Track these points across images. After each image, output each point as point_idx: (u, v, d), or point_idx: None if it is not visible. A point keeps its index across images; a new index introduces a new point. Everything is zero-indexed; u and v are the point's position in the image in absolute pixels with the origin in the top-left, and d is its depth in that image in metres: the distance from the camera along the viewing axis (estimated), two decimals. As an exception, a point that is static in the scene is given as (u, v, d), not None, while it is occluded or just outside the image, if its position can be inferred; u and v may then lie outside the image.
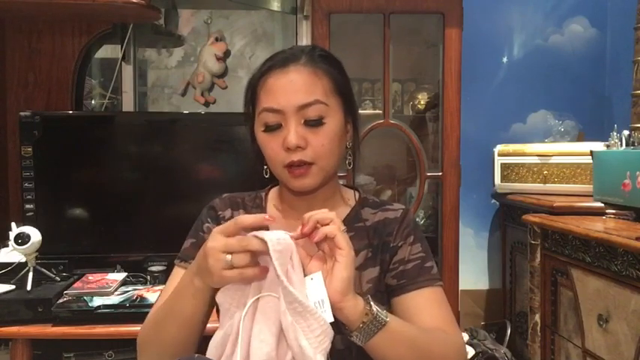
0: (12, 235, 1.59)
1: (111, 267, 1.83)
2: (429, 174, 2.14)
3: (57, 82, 2.08)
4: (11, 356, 1.55)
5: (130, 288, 1.68)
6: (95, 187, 1.87)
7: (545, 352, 1.86)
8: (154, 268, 1.76)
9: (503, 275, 2.48)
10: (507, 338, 2.27)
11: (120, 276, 1.72)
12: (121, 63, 2.26)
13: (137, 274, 1.79)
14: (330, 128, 0.91)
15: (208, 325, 0.88)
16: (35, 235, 1.60)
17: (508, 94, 2.49)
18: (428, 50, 2.38)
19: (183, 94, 2.42)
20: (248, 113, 0.97)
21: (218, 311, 0.83)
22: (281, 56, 0.93)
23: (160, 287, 1.56)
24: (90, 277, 1.69)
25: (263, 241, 0.75)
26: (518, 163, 2.22)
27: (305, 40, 2.25)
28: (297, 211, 0.97)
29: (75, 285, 1.64)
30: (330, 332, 0.77)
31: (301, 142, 0.89)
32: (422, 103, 2.38)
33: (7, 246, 1.70)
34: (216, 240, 0.77)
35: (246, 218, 0.79)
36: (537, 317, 1.87)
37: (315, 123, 0.90)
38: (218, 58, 2.35)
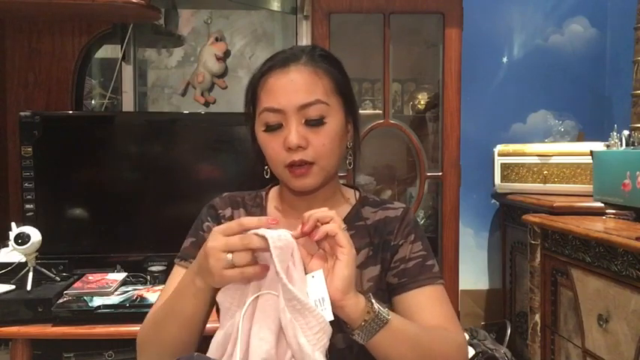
0: (12, 235, 1.59)
1: (111, 267, 1.83)
2: (429, 174, 2.14)
3: (57, 82, 2.08)
4: (11, 356, 1.55)
5: (130, 288, 1.68)
6: (95, 187, 1.87)
7: (545, 352, 1.86)
8: (153, 268, 1.76)
9: (503, 275, 2.48)
10: (507, 338, 2.27)
11: (120, 276, 1.72)
12: (121, 63, 2.26)
13: (137, 274, 1.78)
14: (330, 128, 0.91)
15: (208, 325, 0.88)
16: (35, 235, 1.60)
17: (508, 94, 2.49)
18: (428, 50, 2.38)
19: (183, 94, 2.42)
20: (248, 113, 0.97)
21: (218, 311, 0.82)
22: (281, 56, 0.93)
23: (160, 287, 1.56)
24: (90, 277, 1.69)
25: (264, 239, 0.75)
26: (518, 163, 2.22)
27: (305, 40, 2.25)
28: (298, 210, 0.96)
29: (75, 285, 1.64)
30: (329, 330, 0.77)
31: (302, 141, 0.89)
32: (422, 103, 2.38)
33: (7, 246, 1.70)
34: (217, 239, 0.77)
35: (250, 221, 0.79)
36: (537, 317, 1.87)
37: (316, 123, 0.90)
38: (218, 58, 2.35)
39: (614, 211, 1.77)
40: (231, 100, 2.38)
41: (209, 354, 0.79)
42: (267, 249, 0.75)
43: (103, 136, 1.89)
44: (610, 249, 1.50)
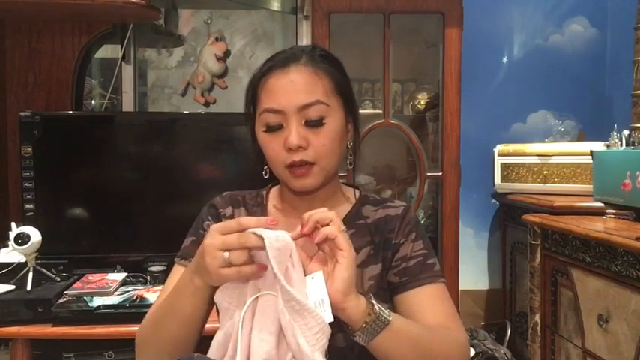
0: (12, 235, 1.59)
1: (111, 267, 1.83)
2: (429, 174, 2.14)
3: (57, 82, 2.08)
4: (11, 356, 1.55)
5: (130, 288, 1.68)
6: (95, 187, 1.87)
7: (545, 352, 1.86)
8: (153, 268, 1.76)
9: (503, 275, 2.48)
10: (507, 338, 2.27)
11: (120, 276, 1.72)
12: (121, 63, 2.26)
13: (137, 274, 1.78)
14: (330, 128, 0.91)
15: (208, 325, 0.88)
16: (35, 235, 1.60)
17: (508, 94, 2.49)
18: (428, 50, 2.38)
19: (183, 94, 2.42)
20: (249, 113, 0.97)
21: (218, 311, 0.82)
22: (281, 56, 0.93)
23: (160, 287, 1.56)
24: (90, 277, 1.69)
25: (261, 238, 0.75)
26: (518, 163, 2.22)
27: (305, 40, 2.25)
28: (298, 210, 0.97)
29: (75, 285, 1.64)
30: (328, 330, 0.76)
31: (302, 142, 0.89)
32: (422, 103, 2.38)
33: (7, 246, 1.70)
34: (214, 237, 0.77)
35: (248, 220, 0.78)
36: (537, 317, 1.87)
37: (316, 123, 0.90)
38: (218, 58, 2.35)
39: (614, 211, 1.77)
40: (231, 100, 2.38)
41: (209, 354, 0.79)
42: (263, 249, 0.75)
43: (103, 136, 1.89)
44: (610, 249, 1.50)
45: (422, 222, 2.34)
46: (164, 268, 1.76)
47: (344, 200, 1.02)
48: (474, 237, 2.52)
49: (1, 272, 1.67)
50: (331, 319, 0.76)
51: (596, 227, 1.59)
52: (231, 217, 1.00)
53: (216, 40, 2.36)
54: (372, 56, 2.16)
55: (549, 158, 2.13)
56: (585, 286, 1.63)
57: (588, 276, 1.62)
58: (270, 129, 0.91)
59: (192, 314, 0.84)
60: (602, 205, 1.82)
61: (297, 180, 0.91)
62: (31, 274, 1.62)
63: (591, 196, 1.90)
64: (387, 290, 0.94)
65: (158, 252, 1.80)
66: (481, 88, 2.46)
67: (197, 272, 0.80)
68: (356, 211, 1.00)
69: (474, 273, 2.51)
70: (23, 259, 1.65)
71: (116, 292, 1.63)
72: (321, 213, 0.80)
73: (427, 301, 0.91)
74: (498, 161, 2.28)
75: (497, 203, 2.49)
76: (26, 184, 1.77)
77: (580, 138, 2.44)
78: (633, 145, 1.86)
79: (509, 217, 2.38)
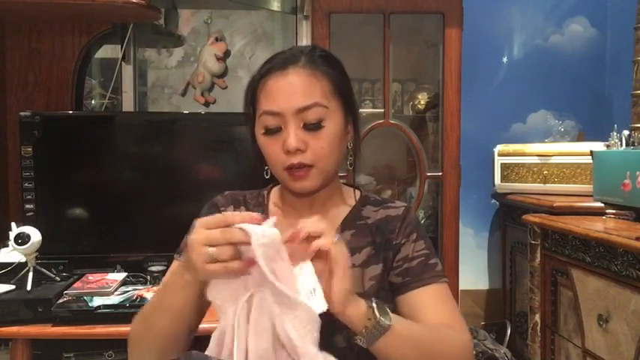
0: (12, 235, 1.59)
1: (111, 267, 1.83)
2: (429, 174, 2.14)
3: (57, 82, 2.08)
4: (11, 356, 1.55)
5: (130, 288, 1.68)
6: (95, 187, 1.87)
7: (545, 352, 1.86)
8: (153, 268, 1.76)
9: (503, 275, 2.48)
10: (507, 338, 2.27)
11: (120, 276, 1.72)
12: (121, 63, 2.26)
13: (137, 274, 1.78)
14: (329, 131, 0.91)
15: (206, 325, 0.87)
16: (35, 235, 1.60)
17: (508, 94, 2.49)
18: (428, 50, 2.38)
19: (183, 94, 2.42)
20: (248, 114, 0.97)
21: None
22: (280, 58, 0.93)
23: (160, 287, 1.57)
24: (90, 277, 1.69)
25: (247, 234, 0.73)
26: (518, 163, 2.22)
27: (305, 40, 2.25)
28: (298, 210, 0.97)
29: (75, 285, 1.64)
30: (318, 322, 0.75)
31: (301, 145, 0.89)
32: (422, 103, 2.38)
33: (7, 246, 1.70)
34: (198, 232, 0.75)
35: (234, 215, 0.76)
36: (537, 317, 1.87)
37: (314, 126, 0.90)
38: (218, 58, 2.35)
39: (614, 211, 1.77)
40: (231, 100, 2.38)
41: (208, 351, 0.79)
42: (250, 244, 0.73)
43: (103, 136, 1.89)
44: (610, 249, 1.50)
45: (422, 222, 2.34)
46: (164, 268, 1.75)
47: (344, 201, 1.02)
48: (474, 237, 2.52)
49: (1, 272, 1.67)
50: (324, 307, 0.75)
51: (596, 227, 1.59)
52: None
53: (216, 40, 2.36)
54: (372, 56, 2.16)
55: (549, 158, 2.13)
56: (585, 286, 1.63)
57: (588, 276, 1.62)
58: (269, 131, 0.91)
59: (182, 308, 0.82)
60: (602, 205, 1.82)
61: (296, 182, 0.91)
62: (31, 274, 1.62)
63: (591, 196, 1.90)
64: (389, 291, 0.94)
65: (158, 252, 1.80)
66: (481, 88, 2.46)
67: (186, 267, 0.79)
68: (356, 212, 1.00)
69: (474, 273, 2.51)
70: (23, 259, 1.65)
71: (116, 292, 1.63)
72: (312, 225, 0.77)
73: (430, 302, 0.91)
74: (498, 161, 2.28)
75: (497, 203, 2.49)
76: (26, 184, 1.77)
77: (580, 138, 2.44)
78: (633, 145, 1.86)
79: (509, 217, 2.38)
